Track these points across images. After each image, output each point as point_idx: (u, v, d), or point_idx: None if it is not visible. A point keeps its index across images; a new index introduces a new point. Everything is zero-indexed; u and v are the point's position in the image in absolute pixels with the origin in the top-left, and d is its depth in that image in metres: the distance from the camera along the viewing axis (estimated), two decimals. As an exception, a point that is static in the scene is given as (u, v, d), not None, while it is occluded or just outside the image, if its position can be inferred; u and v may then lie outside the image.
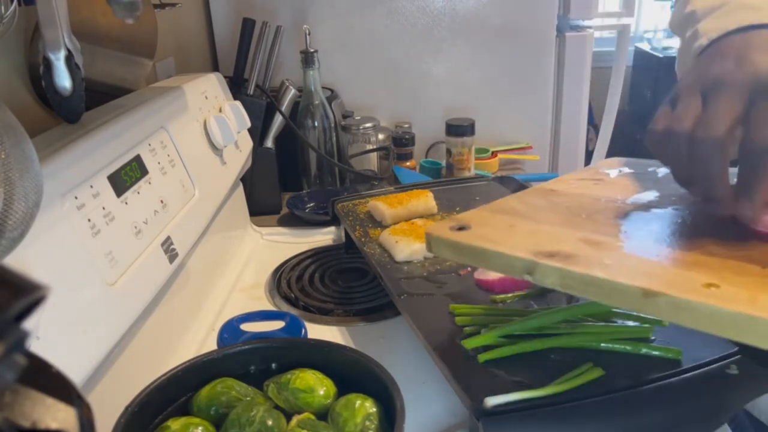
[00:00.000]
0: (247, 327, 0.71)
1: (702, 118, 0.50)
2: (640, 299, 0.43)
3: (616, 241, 0.52)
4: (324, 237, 1.12)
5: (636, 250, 0.51)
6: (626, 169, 0.72)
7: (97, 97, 0.81)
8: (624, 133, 2.78)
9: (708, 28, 0.58)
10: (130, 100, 0.83)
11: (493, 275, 0.75)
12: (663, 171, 0.70)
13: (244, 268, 1.02)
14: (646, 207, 0.60)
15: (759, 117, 0.48)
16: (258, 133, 1.19)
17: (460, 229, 0.57)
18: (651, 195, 0.63)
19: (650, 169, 0.71)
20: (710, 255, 0.47)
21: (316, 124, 1.25)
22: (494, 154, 1.41)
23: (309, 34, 1.21)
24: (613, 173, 0.72)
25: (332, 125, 1.28)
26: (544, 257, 0.49)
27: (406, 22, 1.40)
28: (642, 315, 0.53)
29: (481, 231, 0.57)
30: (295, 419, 0.53)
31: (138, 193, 0.71)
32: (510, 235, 0.55)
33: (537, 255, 0.50)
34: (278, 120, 1.21)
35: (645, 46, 3.00)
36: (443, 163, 1.31)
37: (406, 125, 1.42)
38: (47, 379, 0.24)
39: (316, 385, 0.56)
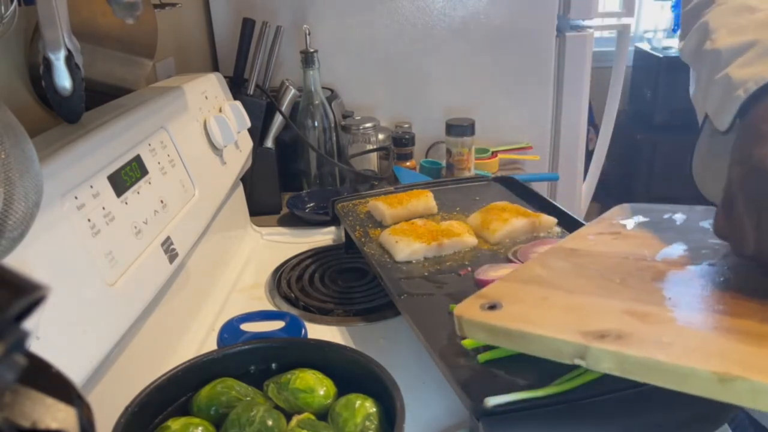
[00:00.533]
0: (247, 327, 0.71)
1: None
2: (715, 385, 0.39)
3: (665, 311, 0.49)
4: (324, 237, 1.12)
5: (691, 321, 0.47)
6: (641, 218, 0.69)
7: (97, 97, 0.81)
8: (624, 133, 2.78)
9: (742, 77, 0.56)
10: (130, 100, 0.83)
11: (493, 275, 0.75)
12: (680, 217, 0.67)
13: (244, 268, 1.02)
14: (680, 264, 0.57)
15: None
16: (258, 133, 1.19)
17: (492, 308, 0.53)
18: (679, 249, 0.60)
19: (666, 216, 0.68)
20: None
21: (316, 124, 1.25)
22: (494, 154, 1.41)
23: (309, 34, 1.21)
24: (629, 223, 0.68)
25: (332, 125, 1.28)
26: (594, 339, 0.45)
27: (406, 22, 1.40)
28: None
29: (515, 309, 0.52)
30: (295, 419, 0.53)
31: (138, 193, 0.71)
32: (547, 312, 0.51)
33: (586, 336, 0.45)
34: (278, 120, 1.21)
35: (645, 46, 3.00)
36: (443, 163, 1.31)
37: (406, 125, 1.42)
38: (47, 379, 0.24)
39: (316, 385, 0.56)
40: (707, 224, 0.63)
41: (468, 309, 0.54)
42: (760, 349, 0.41)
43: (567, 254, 0.63)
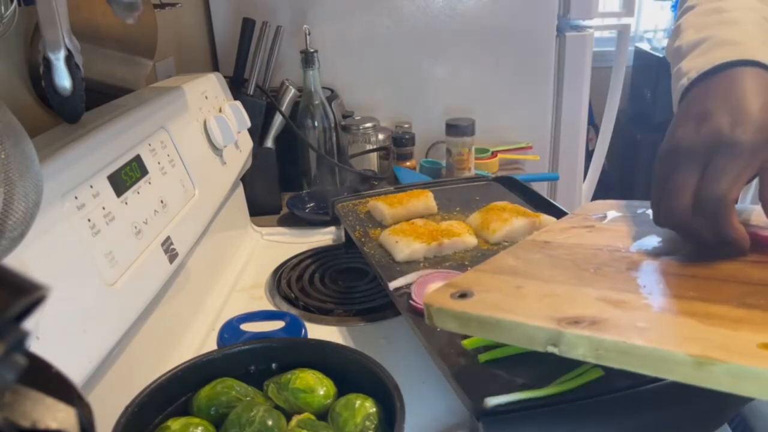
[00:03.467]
0: (247, 327, 0.71)
1: (702, 184, 0.51)
2: (692, 369, 0.38)
3: (640, 298, 0.48)
4: (324, 237, 1.12)
5: (666, 308, 0.47)
6: (615, 213, 0.69)
7: (97, 97, 0.81)
8: (624, 133, 2.78)
9: (689, 67, 0.59)
10: (130, 100, 0.83)
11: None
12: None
13: (244, 268, 1.02)
14: (654, 255, 0.56)
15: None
16: (258, 133, 1.19)
17: (462, 296, 0.52)
18: (653, 240, 0.59)
19: (639, 211, 0.68)
20: (749, 307, 0.43)
21: (316, 124, 1.25)
22: (494, 154, 1.41)
23: (309, 34, 1.21)
24: (603, 218, 0.68)
25: (332, 125, 1.28)
26: (568, 324, 0.44)
27: (406, 22, 1.40)
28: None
29: (487, 297, 0.51)
30: (295, 419, 0.53)
31: (138, 193, 0.71)
32: (520, 300, 0.50)
33: (560, 322, 0.44)
34: (278, 120, 1.21)
35: (645, 46, 3.00)
36: (443, 163, 1.31)
37: (406, 125, 1.42)
38: (47, 379, 0.24)
39: (316, 385, 0.56)
40: None
41: (438, 298, 0.53)
42: (736, 333, 0.40)
43: (540, 246, 0.62)
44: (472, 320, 0.49)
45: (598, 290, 0.50)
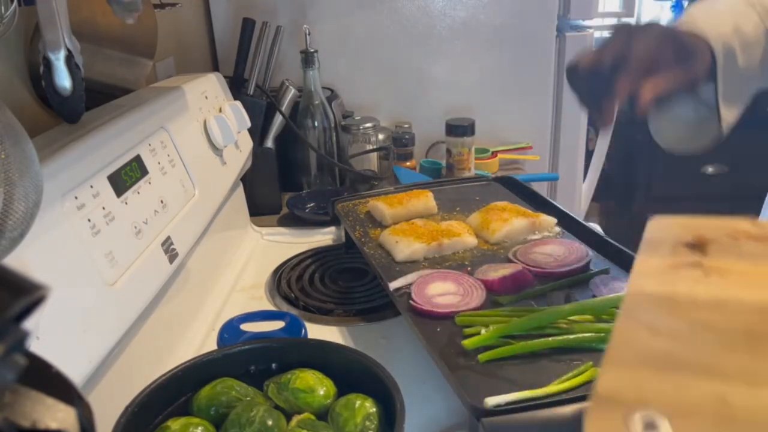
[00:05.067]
0: (247, 327, 0.71)
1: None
2: None
3: None
4: (324, 237, 1.12)
5: None
6: (711, 239, 0.51)
7: (97, 97, 0.81)
8: (624, 133, 2.78)
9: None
10: (130, 100, 0.83)
11: (493, 275, 0.75)
12: None
13: (244, 268, 1.02)
14: None
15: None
16: (258, 133, 1.19)
17: (650, 428, 0.33)
18: None
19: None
20: None
21: (316, 124, 1.25)
22: (494, 154, 1.41)
23: (309, 34, 1.21)
24: (696, 248, 0.50)
25: (332, 125, 1.28)
26: None
27: (406, 22, 1.40)
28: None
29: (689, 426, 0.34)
30: (295, 419, 0.53)
31: (138, 193, 0.71)
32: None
33: None
34: (278, 120, 1.21)
35: (645, 46, 3.00)
36: (443, 163, 1.31)
37: (406, 125, 1.42)
38: (47, 379, 0.24)
39: (316, 385, 0.56)
40: None
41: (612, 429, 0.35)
42: None
43: (668, 307, 0.46)
44: None
45: None
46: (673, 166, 2.54)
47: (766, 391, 0.35)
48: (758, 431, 0.33)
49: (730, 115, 0.67)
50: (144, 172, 0.73)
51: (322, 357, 0.59)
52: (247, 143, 1.12)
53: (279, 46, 1.25)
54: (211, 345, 0.76)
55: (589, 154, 1.71)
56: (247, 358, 0.60)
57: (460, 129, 1.24)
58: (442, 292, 0.73)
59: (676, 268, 0.50)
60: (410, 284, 0.75)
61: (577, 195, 1.63)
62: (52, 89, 0.67)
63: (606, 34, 2.30)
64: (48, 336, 0.50)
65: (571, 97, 1.55)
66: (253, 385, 0.57)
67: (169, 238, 0.74)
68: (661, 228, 0.57)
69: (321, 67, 1.24)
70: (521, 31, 1.40)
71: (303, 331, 0.71)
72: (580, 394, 0.54)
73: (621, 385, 0.38)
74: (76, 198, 0.60)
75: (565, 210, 0.92)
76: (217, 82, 1.06)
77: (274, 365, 0.60)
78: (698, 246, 0.52)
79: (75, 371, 0.53)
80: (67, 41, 0.66)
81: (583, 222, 0.89)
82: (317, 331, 0.80)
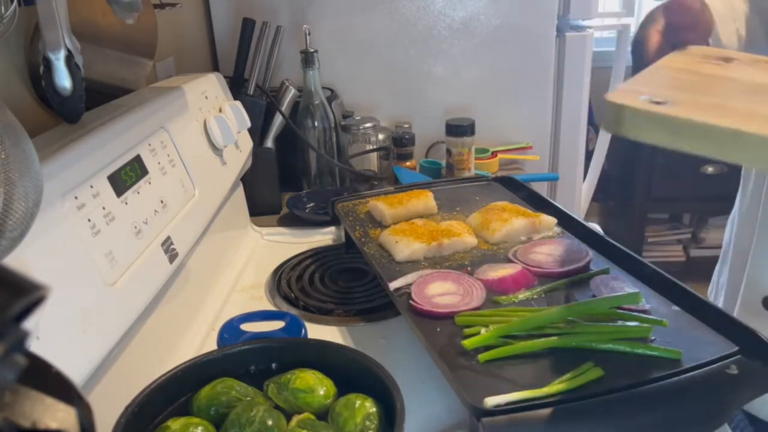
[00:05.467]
0: (247, 327, 0.71)
1: None
2: None
3: None
4: (324, 237, 1.12)
5: None
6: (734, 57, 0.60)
7: (97, 97, 0.81)
8: (624, 133, 2.77)
9: None
10: (130, 100, 0.83)
11: (493, 275, 0.75)
12: None
13: (244, 268, 1.02)
14: None
15: None
16: (258, 133, 1.19)
17: (658, 103, 0.42)
18: None
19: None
20: None
21: (316, 124, 1.25)
22: (494, 154, 1.41)
23: (309, 34, 1.21)
24: (726, 61, 0.60)
25: (332, 125, 1.28)
26: None
27: (406, 22, 1.40)
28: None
29: (686, 109, 0.42)
30: (295, 419, 0.53)
31: (138, 193, 0.71)
32: (733, 102, 0.42)
33: None
34: (278, 120, 1.21)
35: (645, 46, 3.00)
36: (443, 163, 1.31)
37: (406, 125, 1.42)
38: (47, 379, 0.24)
39: (316, 385, 0.56)
40: None
41: (629, 100, 0.42)
42: None
43: (691, 72, 0.53)
44: (681, 126, 0.39)
45: None
46: (673, 166, 2.54)
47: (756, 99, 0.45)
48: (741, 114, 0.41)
49: None
50: (144, 172, 0.73)
51: (321, 357, 0.59)
52: (247, 143, 1.12)
53: (279, 46, 1.25)
54: (211, 345, 0.76)
55: (589, 154, 1.71)
56: (247, 358, 0.60)
57: (460, 129, 1.24)
58: (442, 292, 0.73)
59: (702, 62, 0.58)
60: (410, 284, 0.75)
61: (577, 195, 1.63)
62: (52, 89, 0.67)
63: (606, 33, 2.30)
64: (48, 336, 0.50)
65: (571, 97, 1.54)
66: (253, 385, 0.57)
67: (169, 238, 0.74)
68: (693, 50, 0.65)
69: (321, 67, 1.24)
70: (521, 31, 1.40)
71: (303, 331, 0.71)
72: (579, 394, 0.54)
73: (639, 87, 0.46)
74: (76, 198, 0.60)
75: (565, 210, 0.92)
76: (217, 82, 1.06)
77: (274, 365, 0.60)
78: (724, 59, 0.61)
79: (75, 371, 0.53)
80: (67, 41, 0.66)
81: (583, 222, 0.89)
82: (317, 331, 0.80)
